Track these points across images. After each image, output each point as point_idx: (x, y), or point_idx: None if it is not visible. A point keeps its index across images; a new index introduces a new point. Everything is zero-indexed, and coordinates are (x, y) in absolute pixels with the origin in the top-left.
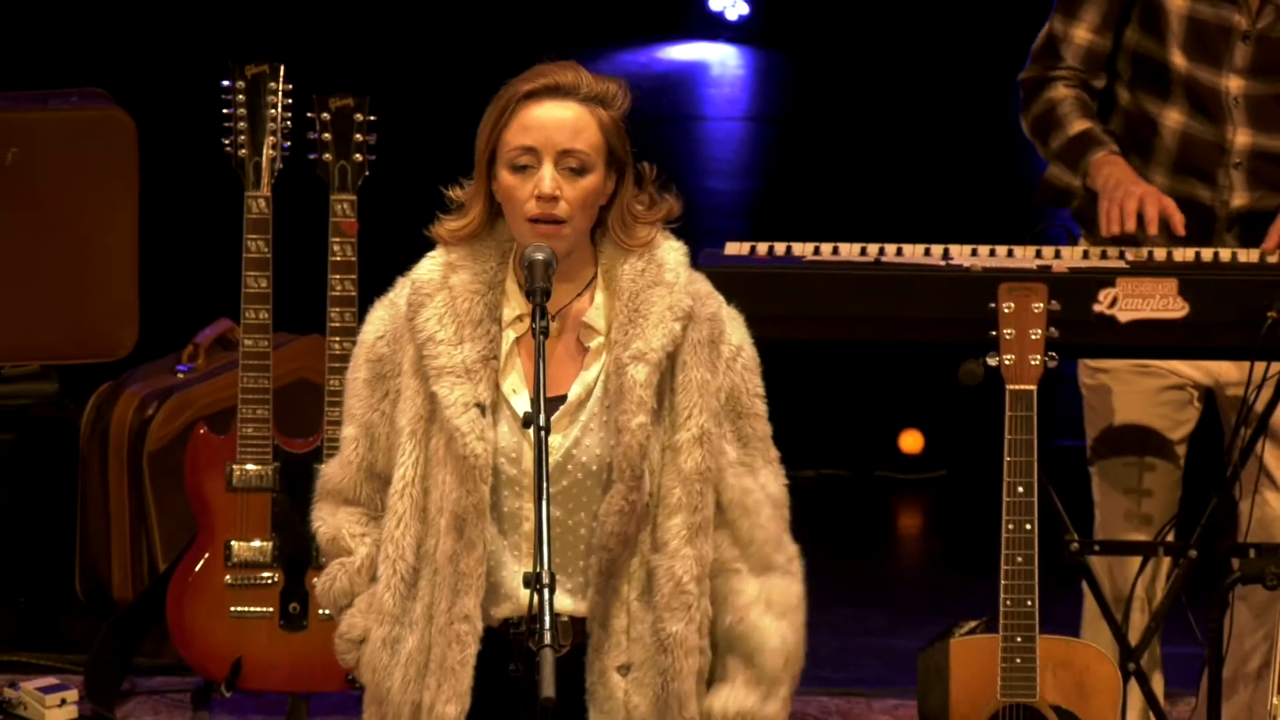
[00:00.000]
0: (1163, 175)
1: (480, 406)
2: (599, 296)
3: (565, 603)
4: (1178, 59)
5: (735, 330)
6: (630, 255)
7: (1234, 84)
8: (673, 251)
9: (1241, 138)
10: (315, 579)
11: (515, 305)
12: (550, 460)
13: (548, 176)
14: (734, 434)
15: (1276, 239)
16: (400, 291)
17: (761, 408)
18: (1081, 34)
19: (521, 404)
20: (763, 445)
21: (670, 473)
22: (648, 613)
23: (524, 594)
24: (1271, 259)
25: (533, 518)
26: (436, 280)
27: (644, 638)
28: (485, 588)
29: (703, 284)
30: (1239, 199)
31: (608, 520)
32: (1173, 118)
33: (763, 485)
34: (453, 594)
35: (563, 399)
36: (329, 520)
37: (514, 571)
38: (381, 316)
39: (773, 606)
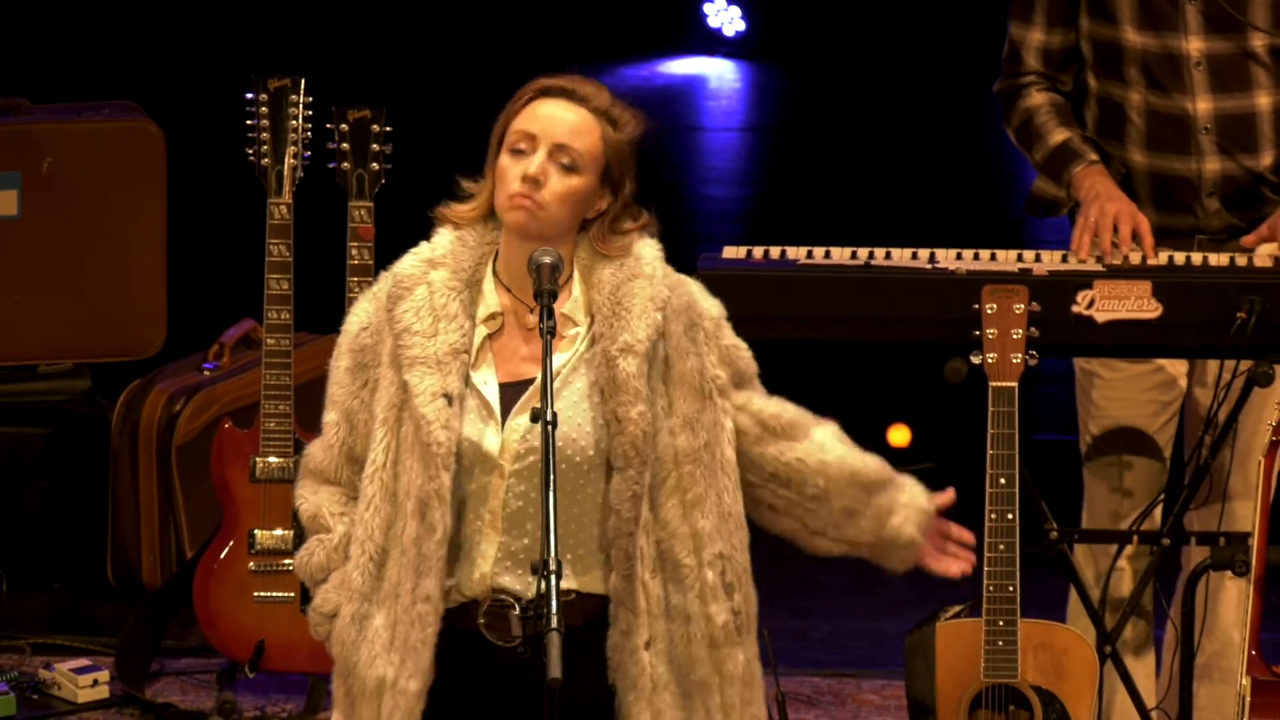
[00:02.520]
0: (1140, 154)
1: (448, 396)
2: (576, 290)
3: (569, 582)
4: (1131, 36)
5: (705, 300)
6: (609, 258)
7: (1195, 46)
8: (648, 247)
9: (1203, 104)
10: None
11: (490, 303)
12: (522, 442)
13: (536, 161)
14: (735, 380)
15: (1256, 238)
16: (383, 285)
17: (749, 353)
18: (1036, 36)
19: (492, 393)
20: (758, 381)
21: (665, 456)
22: (659, 587)
23: (495, 569)
24: (1240, 261)
25: (501, 494)
26: (416, 275)
27: (657, 609)
28: (445, 570)
29: (672, 274)
30: (1211, 164)
31: (622, 507)
32: (1135, 97)
33: (778, 401)
34: (416, 575)
35: (531, 382)
36: (310, 498)
37: (484, 550)
38: (365, 309)
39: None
